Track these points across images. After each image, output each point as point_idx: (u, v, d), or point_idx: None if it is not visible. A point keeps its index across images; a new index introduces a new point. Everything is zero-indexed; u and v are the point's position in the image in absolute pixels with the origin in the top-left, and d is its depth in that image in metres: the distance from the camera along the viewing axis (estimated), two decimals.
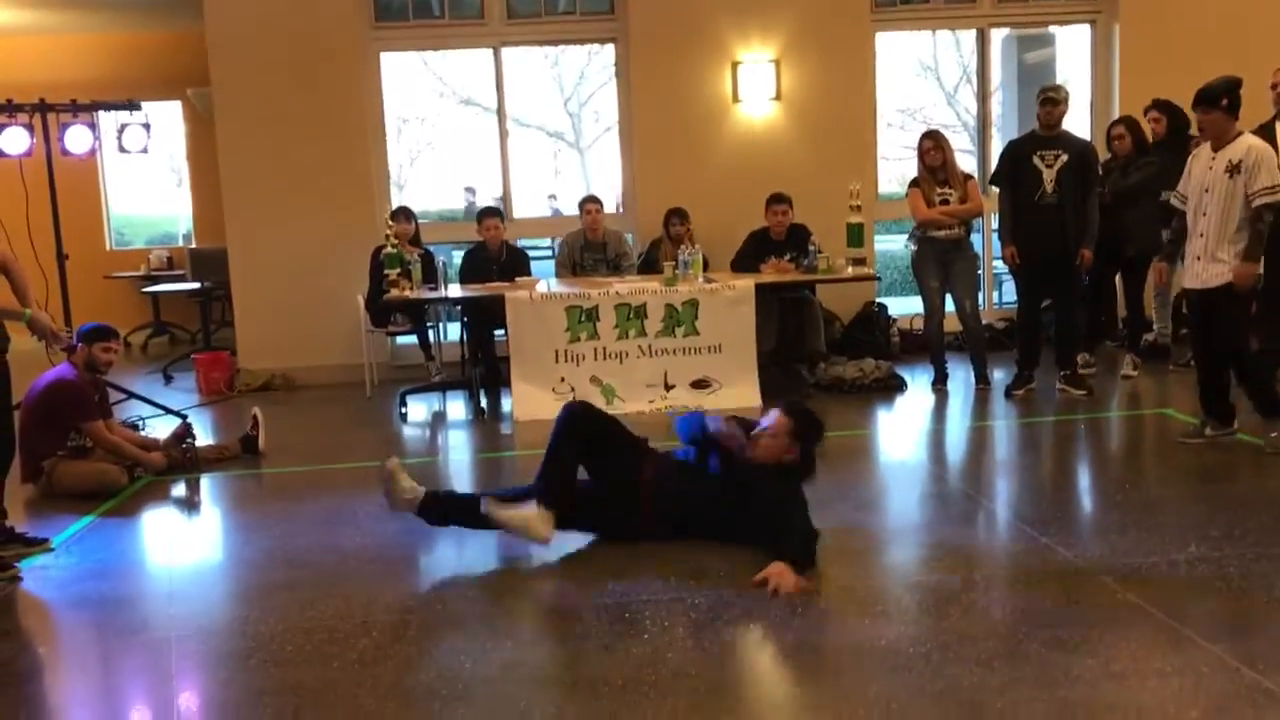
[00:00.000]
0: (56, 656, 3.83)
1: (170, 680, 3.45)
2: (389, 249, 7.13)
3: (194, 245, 10.67)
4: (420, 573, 4.49)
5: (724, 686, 3.23)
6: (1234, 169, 5.30)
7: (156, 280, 10.65)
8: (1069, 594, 3.81)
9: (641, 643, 3.54)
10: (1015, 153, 7.06)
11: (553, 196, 15.03)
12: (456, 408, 7.61)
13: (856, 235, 7.32)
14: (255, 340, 8.52)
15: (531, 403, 6.97)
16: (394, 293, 7.12)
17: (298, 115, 8.36)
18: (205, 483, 5.83)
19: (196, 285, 9.66)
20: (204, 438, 6.52)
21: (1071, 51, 11.36)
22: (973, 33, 9.61)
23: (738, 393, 7.00)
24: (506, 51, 8.97)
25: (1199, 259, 5.49)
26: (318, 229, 8.39)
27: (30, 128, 7.10)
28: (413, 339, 8.37)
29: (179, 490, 5.73)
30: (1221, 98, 5.31)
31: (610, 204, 8.84)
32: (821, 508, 4.77)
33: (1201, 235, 5.47)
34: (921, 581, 4.06)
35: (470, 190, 13.75)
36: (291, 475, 5.97)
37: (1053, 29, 11.68)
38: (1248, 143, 5.35)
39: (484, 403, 7.41)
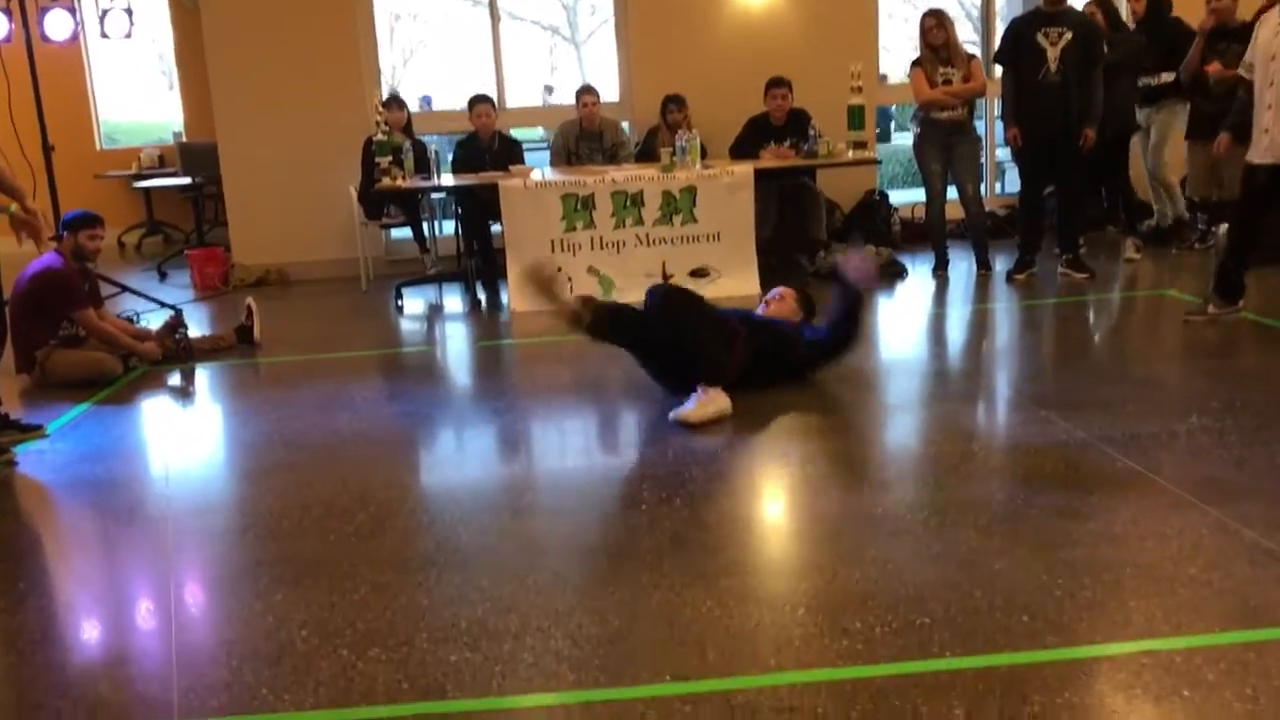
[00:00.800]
0: (53, 535, 3.83)
1: (168, 555, 3.44)
2: (379, 136, 7.00)
3: (184, 140, 10.49)
4: (418, 452, 4.47)
5: (721, 550, 3.22)
6: None
7: (148, 178, 10.49)
8: (1068, 463, 3.79)
9: (639, 512, 3.53)
10: (1019, 30, 6.89)
11: (549, 89, 14.75)
12: (453, 300, 7.55)
13: (857, 118, 7.18)
14: (249, 236, 8.42)
15: (528, 293, 6.89)
16: (386, 182, 7.01)
17: (286, 6, 8.15)
18: (201, 372, 5.79)
19: (188, 181, 9.52)
20: (199, 330, 6.47)
21: None
22: None
23: (736, 281, 6.93)
24: None
25: (1267, 132, 5.24)
26: (309, 122, 8.23)
27: (8, 12, 6.91)
28: (407, 232, 8.28)
29: (174, 379, 5.69)
30: None
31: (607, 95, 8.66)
32: (822, 388, 4.77)
33: (1270, 107, 5.21)
34: (920, 453, 4.03)
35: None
36: (288, 364, 5.93)
37: None
38: None
39: (480, 294, 7.34)
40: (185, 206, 9.92)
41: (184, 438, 4.80)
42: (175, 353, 5.86)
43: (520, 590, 3.02)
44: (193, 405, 5.44)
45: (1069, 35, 6.70)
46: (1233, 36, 6.79)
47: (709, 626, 2.77)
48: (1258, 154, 5.35)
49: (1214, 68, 6.91)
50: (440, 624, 2.85)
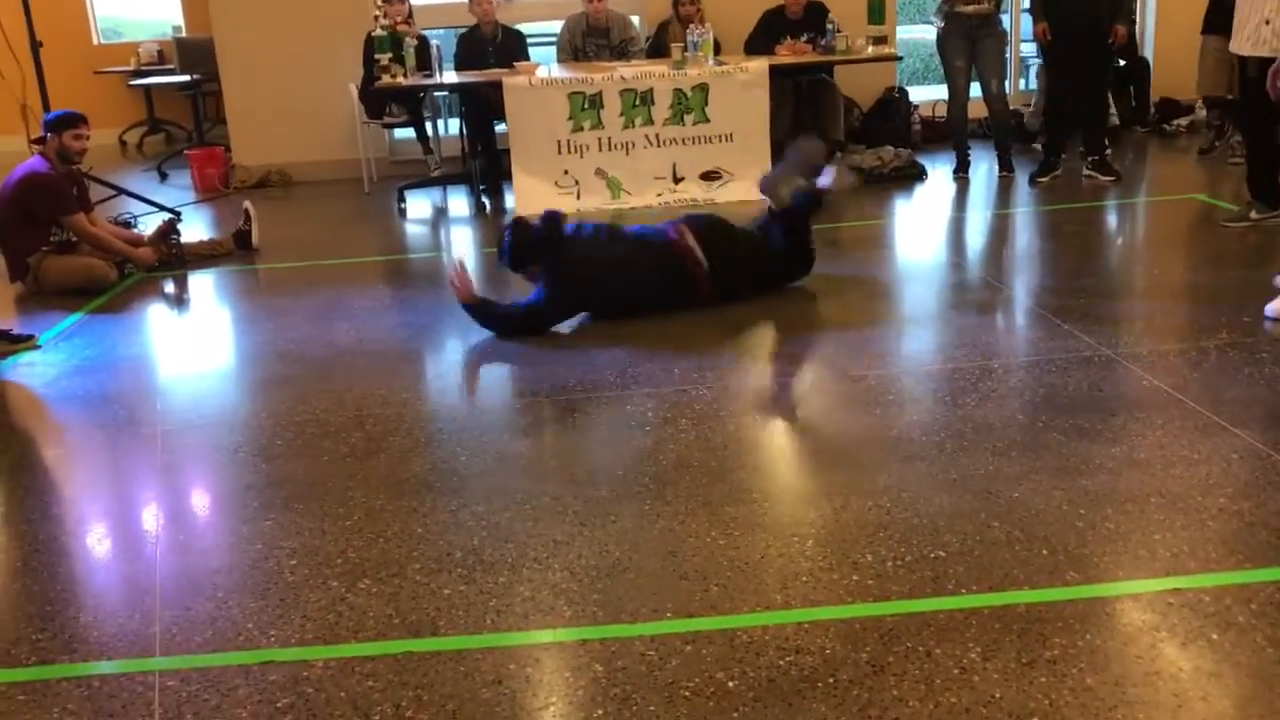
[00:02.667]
0: (39, 453, 3.71)
1: (156, 476, 3.33)
2: (379, 31, 6.73)
3: (184, 35, 10.16)
4: (417, 367, 4.33)
5: (728, 475, 3.09)
6: None
7: (146, 75, 10.20)
8: (1092, 382, 3.63)
9: (643, 434, 3.39)
10: None
11: None
12: (458, 203, 7.34)
13: (878, 11, 6.86)
14: (249, 136, 8.18)
15: (534, 196, 6.67)
16: (386, 79, 6.76)
17: None
18: (196, 279, 5.64)
19: (187, 78, 9.24)
20: (200, 234, 6.30)
21: None
22: None
23: (749, 185, 6.67)
24: None
25: (1268, 23, 4.90)
26: (307, 17, 7.91)
27: None
28: (410, 132, 8.02)
29: (169, 286, 5.55)
30: None
31: None
32: (835, 296, 4.62)
33: None
34: (936, 370, 3.87)
35: None
36: (285, 271, 5.77)
37: None
38: None
39: (485, 198, 7.14)
40: (186, 104, 9.64)
41: (177, 350, 4.68)
42: (169, 258, 5.71)
43: (518, 518, 2.90)
44: (187, 315, 5.30)
45: None
46: None
47: (712, 559, 2.65)
48: (1242, 44, 5.04)
49: None
50: (434, 554, 2.75)
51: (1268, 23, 4.93)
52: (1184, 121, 8.14)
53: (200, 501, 3.22)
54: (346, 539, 2.84)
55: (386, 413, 3.70)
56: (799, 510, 2.90)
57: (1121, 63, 7.63)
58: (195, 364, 4.47)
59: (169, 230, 5.77)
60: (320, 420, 3.64)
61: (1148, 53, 8.49)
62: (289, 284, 5.49)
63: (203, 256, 5.85)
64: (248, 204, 6.15)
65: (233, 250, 5.98)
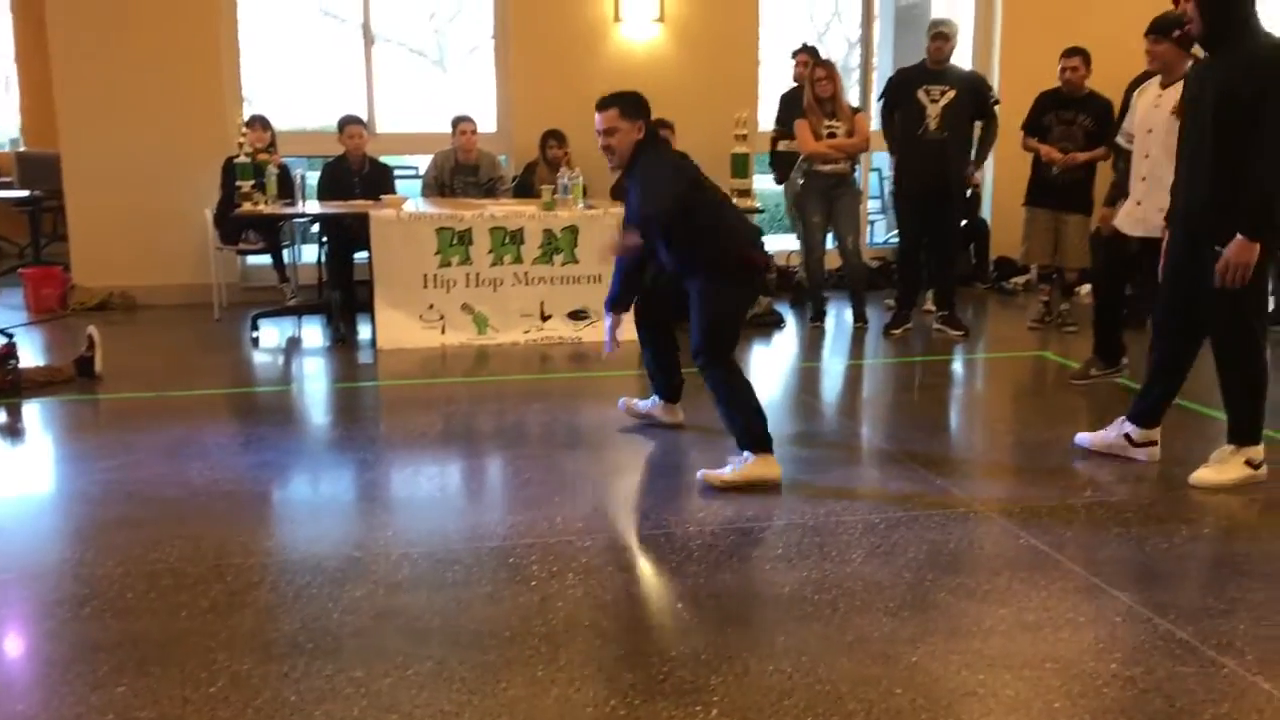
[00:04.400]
0: None
1: None
2: (242, 158, 6.58)
3: (22, 149, 9.74)
4: (279, 511, 4.09)
5: (621, 635, 2.97)
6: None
7: None
8: (971, 539, 3.68)
9: (529, 590, 3.26)
10: (900, 83, 6.93)
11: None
12: (312, 333, 7.13)
13: (741, 166, 7.06)
14: (91, 255, 7.83)
15: (397, 330, 6.56)
16: (246, 207, 6.58)
17: (141, 10, 7.64)
18: (34, 408, 5.27)
19: (25, 194, 8.83)
20: (33, 359, 5.92)
21: None
22: None
23: None
24: None
25: (1139, 204, 5.23)
26: (162, 135, 7.72)
27: None
28: (266, 259, 7.81)
29: (2, 416, 5.16)
30: (1173, 29, 4.94)
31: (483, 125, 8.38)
32: (702, 446, 4.59)
33: (1144, 179, 5.19)
34: (819, 524, 3.86)
35: None
36: (132, 401, 5.44)
37: None
38: None
39: (342, 328, 6.95)
40: (23, 220, 9.19)
41: (11, 486, 4.32)
42: (2, 385, 5.32)
43: (400, 684, 2.71)
44: (23, 447, 4.92)
45: (952, 94, 6.75)
46: (1078, 105, 6.87)
47: None
48: (1129, 225, 5.36)
49: (1047, 150, 6.85)
50: None
51: (1139, 204, 5.26)
52: (1021, 280, 8.61)
53: (41, 664, 2.91)
54: (211, 709, 2.60)
55: (249, 562, 3.46)
56: (700, 674, 2.79)
57: (964, 223, 8.05)
58: (32, 503, 4.12)
59: (6, 354, 5.39)
60: (176, 570, 3.38)
61: (986, 214, 8.99)
62: (136, 416, 5.18)
63: (40, 384, 5.49)
64: (92, 329, 5.82)
65: (73, 378, 5.63)
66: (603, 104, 4.44)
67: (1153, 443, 4.44)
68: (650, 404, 4.96)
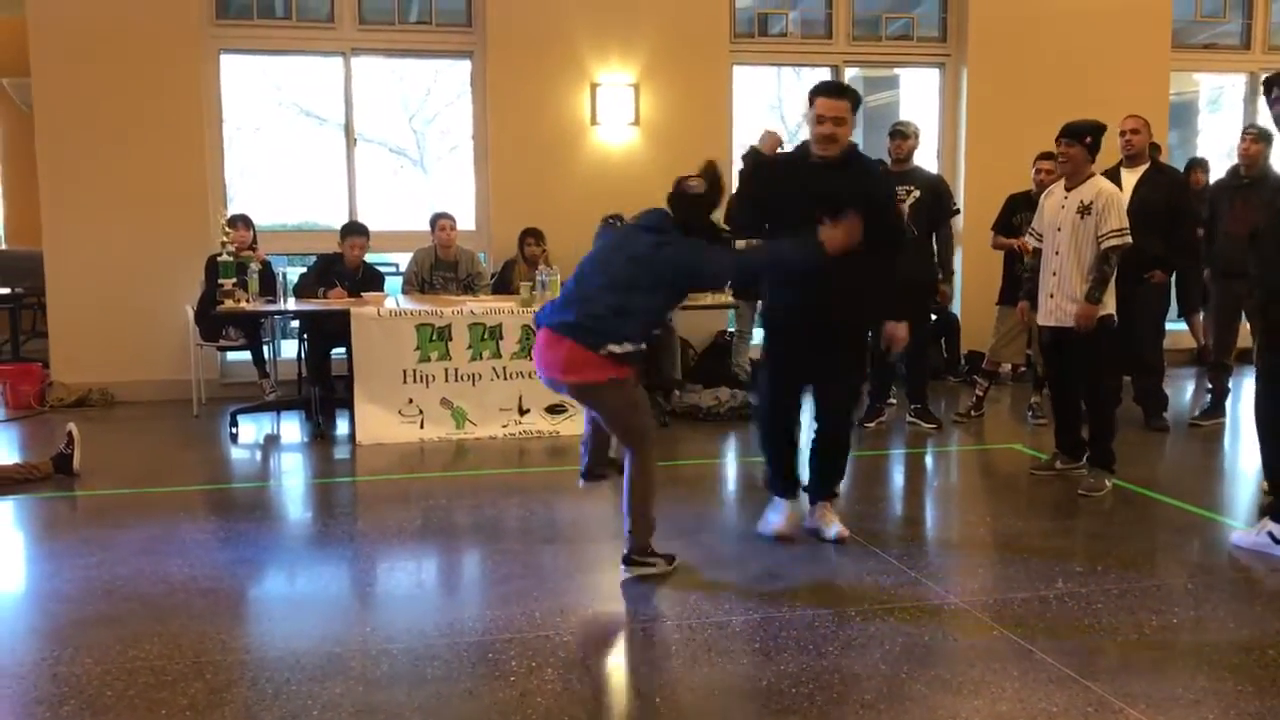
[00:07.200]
0: None
1: None
2: (224, 256, 6.68)
3: (4, 247, 9.83)
4: (257, 607, 4.10)
5: None
6: (1085, 209, 5.39)
7: None
8: (945, 631, 3.72)
9: (508, 685, 3.27)
10: None
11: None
12: (291, 429, 7.17)
13: None
14: (71, 351, 7.88)
15: (376, 425, 6.61)
16: (228, 304, 6.67)
17: (126, 111, 7.83)
18: (10, 505, 5.27)
19: (6, 291, 8.89)
20: (10, 456, 5.92)
21: (914, 95, 11.65)
22: (823, 71, 9.65)
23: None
24: (355, 61, 8.60)
25: (1052, 296, 5.54)
26: (144, 234, 7.85)
27: None
28: (245, 355, 7.88)
29: None
30: (1086, 135, 5.37)
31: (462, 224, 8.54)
32: (680, 537, 4.62)
33: (1054, 274, 5.52)
34: (794, 617, 3.90)
35: None
36: (111, 498, 5.45)
37: (897, 72, 11.94)
38: (1099, 185, 5.44)
39: (322, 423, 7.00)
40: (2, 318, 9.24)
41: None
42: None
43: None
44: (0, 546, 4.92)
45: (916, 194, 6.94)
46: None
47: None
48: (1042, 316, 5.65)
49: (1021, 241, 7.01)
50: None
51: (1051, 296, 5.54)
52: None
53: None
54: None
55: (228, 659, 3.47)
56: None
57: (934, 317, 8.21)
58: (9, 601, 4.12)
59: None
60: (155, 668, 3.38)
61: (956, 309, 9.17)
62: (114, 513, 5.18)
63: (16, 481, 5.49)
64: (71, 426, 5.84)
65: (51, 474, 5.64)
66: (836, 91, 4.56)
67: None
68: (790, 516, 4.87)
